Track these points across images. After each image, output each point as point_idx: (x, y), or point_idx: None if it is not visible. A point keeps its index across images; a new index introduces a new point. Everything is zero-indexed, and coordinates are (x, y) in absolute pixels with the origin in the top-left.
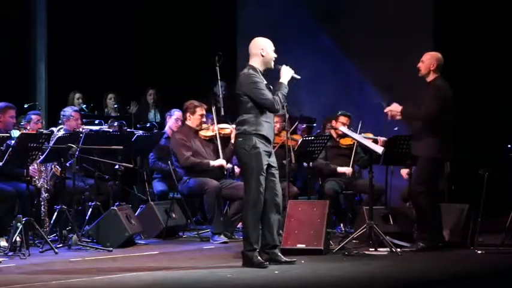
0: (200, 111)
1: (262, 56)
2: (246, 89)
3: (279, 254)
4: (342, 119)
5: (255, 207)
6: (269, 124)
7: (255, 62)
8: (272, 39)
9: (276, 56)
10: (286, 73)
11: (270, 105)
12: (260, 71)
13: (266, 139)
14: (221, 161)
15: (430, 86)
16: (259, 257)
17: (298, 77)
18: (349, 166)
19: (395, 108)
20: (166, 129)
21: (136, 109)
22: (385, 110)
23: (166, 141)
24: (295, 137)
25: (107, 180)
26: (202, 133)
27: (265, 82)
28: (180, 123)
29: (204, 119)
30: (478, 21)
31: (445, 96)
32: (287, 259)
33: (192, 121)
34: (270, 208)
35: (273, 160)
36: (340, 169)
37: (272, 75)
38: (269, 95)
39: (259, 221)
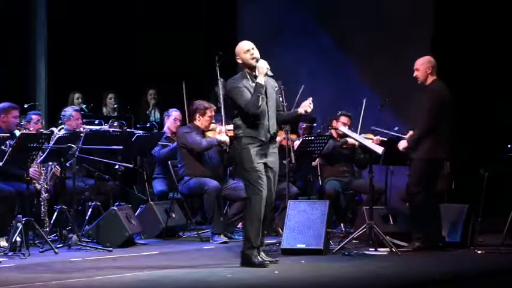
0: (210, 112)
1: (240, 62)
2: (229, 94)
3: (261, 253)
4: (343, 118)
5: (254, 206)
6: (261, 124)
7: (241, 67)
8: (272, 40)
9: (253, 53)
10: (262, 70)
11: (246, 109)
12: (250, 74)
13: (258, 140)
14: (226, 138)
15: (428, 90)
16: (258, 257)
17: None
18: (349, 166)
19: (404, 146)
20: (165, 129)
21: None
22: (401, 148)
23: (166, 142)
24: (295, 137)
25: (107, 180)
26: (208, 134)
27: (253, 84)
28: (178, 123)
29: (213, 120)
30: (477, 22)
31: (442, 98)
32: (270, 258)
33: (202, 122)
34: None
35: (270, 160)
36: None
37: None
38: (246, 99)
39: (259, 220)
